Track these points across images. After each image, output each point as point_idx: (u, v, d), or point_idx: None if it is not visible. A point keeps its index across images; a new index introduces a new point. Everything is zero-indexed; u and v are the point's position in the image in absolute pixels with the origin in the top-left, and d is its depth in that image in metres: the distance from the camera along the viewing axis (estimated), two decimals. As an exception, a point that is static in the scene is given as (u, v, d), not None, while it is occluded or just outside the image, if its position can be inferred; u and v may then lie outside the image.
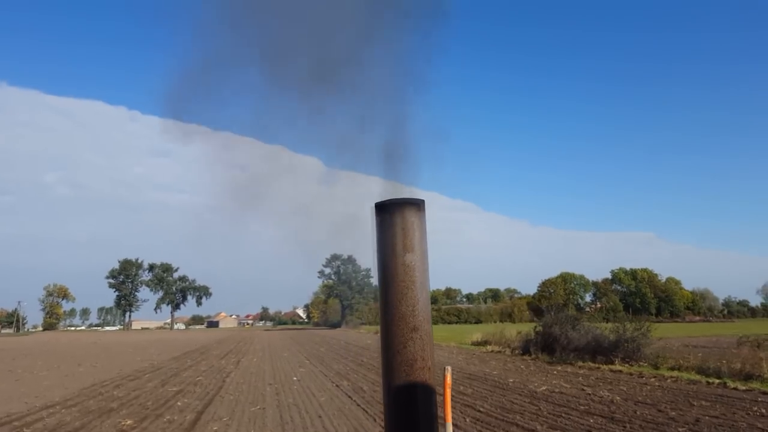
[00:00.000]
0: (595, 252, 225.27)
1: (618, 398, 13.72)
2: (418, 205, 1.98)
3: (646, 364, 20.75)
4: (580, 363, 22.43)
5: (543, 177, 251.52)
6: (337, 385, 18.47)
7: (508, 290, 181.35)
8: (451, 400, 14.81)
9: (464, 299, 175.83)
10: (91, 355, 38.73)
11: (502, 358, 27.44)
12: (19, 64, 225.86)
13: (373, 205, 1.98)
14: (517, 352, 29.49)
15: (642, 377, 17.96)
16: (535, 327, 30.49)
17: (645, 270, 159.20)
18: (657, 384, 16.29)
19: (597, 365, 21.39)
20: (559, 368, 21.84)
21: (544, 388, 16.07)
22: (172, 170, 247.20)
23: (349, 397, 15.65)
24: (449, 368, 3.58)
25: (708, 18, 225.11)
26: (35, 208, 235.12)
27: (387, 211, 1.96)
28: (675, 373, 18.02)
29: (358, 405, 14.13)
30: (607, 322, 42.73)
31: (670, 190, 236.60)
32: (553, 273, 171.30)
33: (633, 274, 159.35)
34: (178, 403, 15.34)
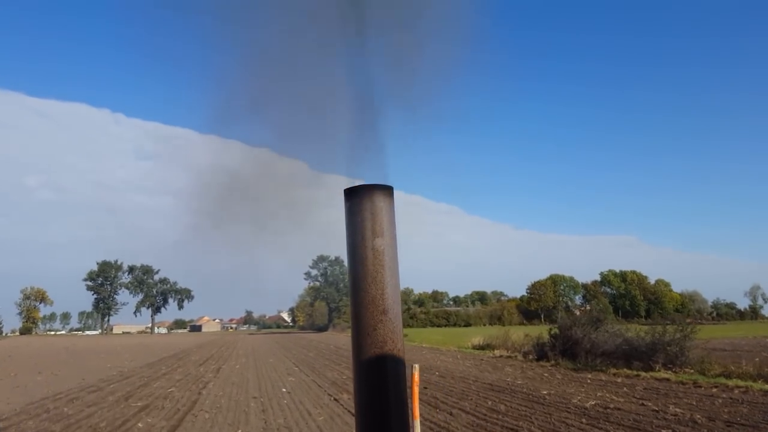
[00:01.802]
0: (579, 255, 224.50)
1: (699, 417, 10.85)
2: (387, 190, 1.90)
3: (692, 371, 17.98)
4: (613, 370, 19.61)
5: (525, 181, 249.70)
6: (335, 399, 15.42)
7: (494, 293, 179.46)
8: (486, 420, 11.87)
9: (451, 302, 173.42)
10: (57, 362, 35.15)
11: (516, 364, 24.55)
12: (1, 64, 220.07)
13: (343, 190, 1.88)
14: (531, 357, 26.63)
15: (699, 387, 15.16)
16: (551, 329, 27.75)
17: (634, 272, 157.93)
18: (727, 396, 13.48)
19: (634, 372, 18.59)
20: (590, 376, 18.99)
21: (592, 402, 13.17)
22: (156, 174, 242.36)
23: (354, 416, 12.58)
24: (417, 366, 3.27)
25: (692, 21, 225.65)
26: (16, 212, 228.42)
27: (356, 195, 1.88)
28: (736, 382, 15.24)
29: (369, 427, 11.10)
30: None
31: (652, 194, 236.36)
32: (538, 276, 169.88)
33: (622, 276, 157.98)
34: (139, 425, 12.18)
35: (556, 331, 27.38)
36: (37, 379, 23.48)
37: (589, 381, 17.68)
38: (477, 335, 44.89)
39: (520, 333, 38.11)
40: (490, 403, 13.66)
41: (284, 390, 17.74)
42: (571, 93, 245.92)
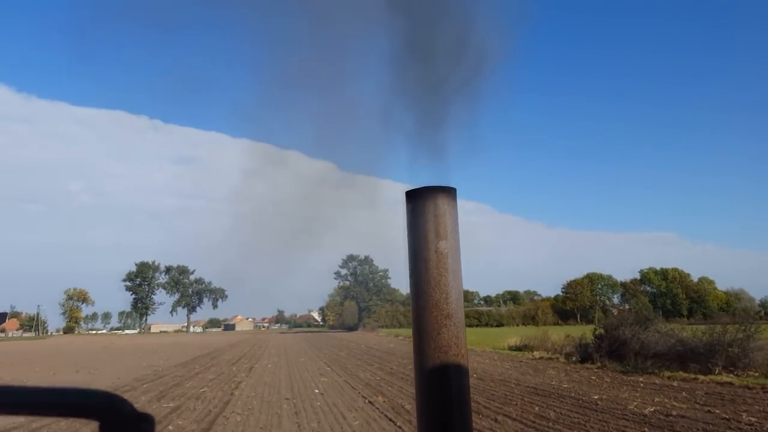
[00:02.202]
0: (615, 253, 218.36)
1: (778, 428, 9.72)
2: (450, 192, 1.78)
3: (756, 374, 16.63)
4: (667, 372, 18.35)
5: (557, 178, 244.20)
6: (369, 402, 14.70)
7: (527, 292, 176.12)
8: (535, 428, 10.93)
9: (482, 302, 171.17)
10: (96, 361, 35.49)
11: (558, 367, 23.42)
12: (48, 76, 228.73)
13: (404, 193, 1.79)
14: (574, 359, 25.42)
15: (768, 393, 13.90)
16: (595, 330, 26.51)
17: (676, 270, 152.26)
18: (803, 404, 12.23)
19: (691, 375, 17.32)
20: (641, 379, 17.80)
21: (651, 408, 12.10)
22: (192, 177, 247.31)
23: (391, 421, 11.86)
24: None
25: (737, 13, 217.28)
26: (60, 216, 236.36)
27: (419, 197, 1.76)
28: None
29: (409, 434, 10.36)
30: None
31: (693, 189, 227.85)
32: (572, 275, 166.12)
33: (663, 273, 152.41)
34: (170, 427, 11.69)
35: (601, 331, 26.13)
36: (75, 378, 23.49)
37: (641, 385, 16.51)
38: (512, 336, 43.57)
39: (560, 333, 36.78)
40: (537, 408, 12.72)
41: (317, 391, 17.12)
42: (607, 87, 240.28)
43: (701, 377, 16.81)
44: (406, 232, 1.79)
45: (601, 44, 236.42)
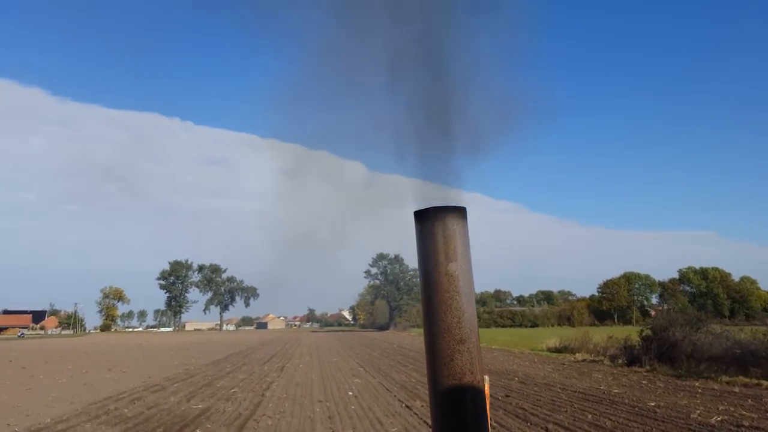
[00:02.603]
0: (651, 252, 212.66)
1: None
2: (460, 211, 1.80)
3: (828, 382, 15.21)
4: (725, 377, 17.02)
5: (591, 177, 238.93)
6: (407, 407, 13.90)
7: (561, 292, 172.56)
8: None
9: (515, 302, 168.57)
10: (129, 359, 35.63)
11: (604, 370, 22.19)
12: (82, 81, 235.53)
13: (413, 213, 1.81)
14: (620, 361, 24.11)
15: None
16: (642, 331, 25.15)
17: (716, 269, 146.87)
18: None
19: (753, 380, 15.98)
20: (697, 384, 16.52)
21: (718, 418, 10.97)
22: (224, 178, 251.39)
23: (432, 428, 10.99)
24: (487, 378, 2.42)
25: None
26: (97, 216, 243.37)
27: (427, 218, 1.80)
28: None
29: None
30: None
31: (731, 187, 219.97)
32: (607, 274, 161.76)
33: (703, 273, 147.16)
34: (198, 431, 11.11)
35: (648, 332, 24.78)
36: (105, 376, 23.36)
37: (699, 390, 15.27)
38: (549, 336, 42.14)
39: (601, 334, 35.32)
40: (590, 416, 11.71)
41: (350, 393, 16.41)
42: (640, 85, 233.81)
43: (765, 383, 15.47)
44: (416, 254, 1.72)
45: (636, 42, 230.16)
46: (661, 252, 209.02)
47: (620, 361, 24.34)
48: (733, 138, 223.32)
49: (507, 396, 15.12)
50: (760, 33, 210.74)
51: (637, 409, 12.58)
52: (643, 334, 24.88)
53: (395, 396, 15.79)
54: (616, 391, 15.81)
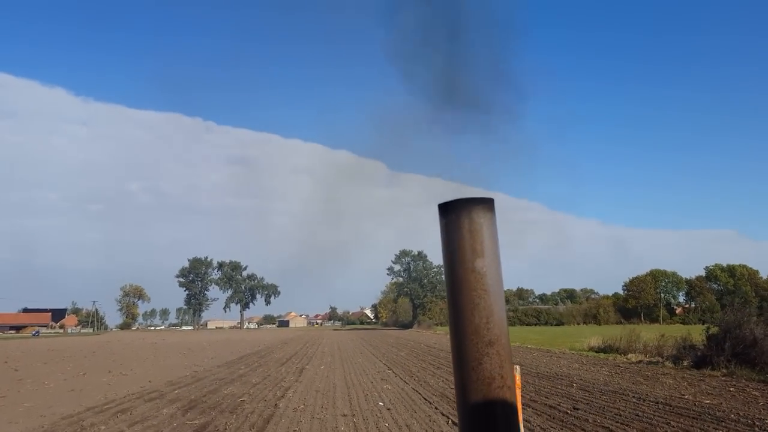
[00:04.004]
0: (673, 251, 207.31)
1: None
2: (487, 203, 1.63)
3: None
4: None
5: (612, 175, 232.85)
6: (453, 423, 11.06)
7: (584, 290, 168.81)
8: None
9: (537, 300, 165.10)
10: (137, 359, 33.36)
11: (672, 374, 19.08)
12: (104, 81, 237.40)
13: (437, 206, 1.64)
14: (686, 363, 20.96)
15: None
16: (708, 328, 22.00)
17: (744, 266, 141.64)
18: None
19: None
20: (808, 394, 13.39)
21: None
22: (247, 177, 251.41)
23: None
24: (518, 367, 2.77)
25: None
26: (120, 215, 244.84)
27: (452, 211, 1.61)
28: None
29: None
30: (704, 324, 33.52)
31: (752, 187, 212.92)
32: (629, 272, 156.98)
33: (730, 270, 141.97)
34: (186, 460, 8.40)
35: (715, 330, 21.63)
36: (102, 380, 20.91)
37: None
38: (580, 335, 38.69)
39: (650, 333, 32.07)
40: (707, 442, 8.73)
41: (381, 404, 13.62)
42: (659, 77, 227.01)
43: None
44: (441, 250, 1.63)
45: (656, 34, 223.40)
46: (682, 251, 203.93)
47: (685, 363, 21.18)
48: (750, 138, 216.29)
49: (575, 409, 12.17)
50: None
51: (752, 427, 9.57)
52: (710, 332, 21.76)
53: (435, 408, 12.98)
54: (707, 402, 12.76)
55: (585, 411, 11.90)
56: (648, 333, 32.35)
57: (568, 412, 11.85)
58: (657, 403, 12.75)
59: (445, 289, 1.64)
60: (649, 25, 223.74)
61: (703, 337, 22.69)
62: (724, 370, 18.42)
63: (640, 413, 11.53)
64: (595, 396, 14.16)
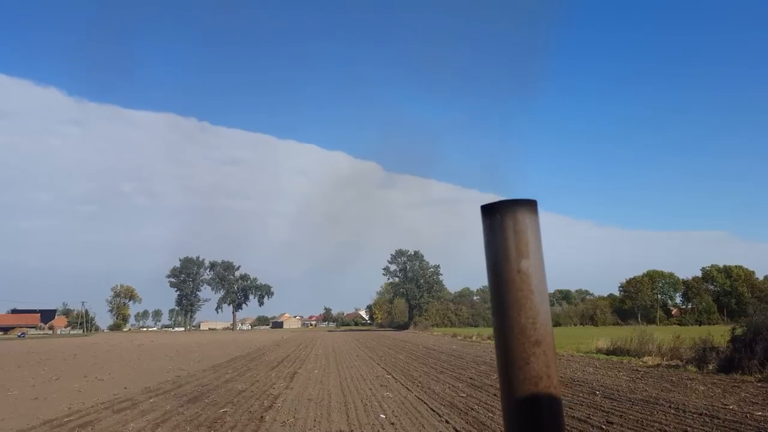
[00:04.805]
0: (666, 252, 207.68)
1: None
2: (531, 205, 1.59)
3: None
4: None
5: (606, 177, 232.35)
6: (471, 440, 9.29)
7: (579, 291, 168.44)
8: None
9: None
10: (119, 362, 31.47)
11: (699, 379, 17.39)
12: (99, 81, 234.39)
13: (480, 207, 1.61)
14: (711, 367, 19.33)
15: None
16: (734, 329, 20.44)
17: (740, 267, 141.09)
18: None
19: None
20: None
21: None
22: (240, 178, 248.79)
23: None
24: None
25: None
26: (114, 216, 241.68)
27: (497, 213, 1.57)
28: None
29: None
30: (700, 325, 31.97)
31: (743, 188, 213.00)
32: (623, 273, 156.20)
33: (727, 271, 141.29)
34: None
35: (740, 331, 20.09)
36: (73, 386, 19.04)
37: None
38: (591, 336, 36.97)
39: (663, 334, 30.49)
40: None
41: (383, 416, 11.84)
42: (650, 92, 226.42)
43: None
44: (483, 251, 1.64)
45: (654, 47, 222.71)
46: (674, 251, 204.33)
47: (710, 367, 19.54)
48: (741, 139, 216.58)
49: (609, 423, 10.44)
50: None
51: None
52: (735, 332, 20.20)
53: (445, 421, 11.21)
54: (759, 414, 11.08)
55: (622, 426, 10.18)
56: (660, 334, 30.78)
57: (603, 427, 10.13)
58: (701, 415, 11.05)
59: (489, 289, 1.57)
60: (644, 25, 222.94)
61: (726, 338, 21.17)
62: (758, 375, 16.78)
63: (680, 426, 9.83)
64: (625, 406, 12.45)
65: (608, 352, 29.85)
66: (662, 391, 14.82)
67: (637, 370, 20.59)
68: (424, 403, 13.64)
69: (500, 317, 1.54)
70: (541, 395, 1.48)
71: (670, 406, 12.19)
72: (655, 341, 27.22)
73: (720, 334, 24.64)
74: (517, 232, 1.54)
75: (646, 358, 23.87)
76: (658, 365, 21.95)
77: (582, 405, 12.68)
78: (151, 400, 14.94)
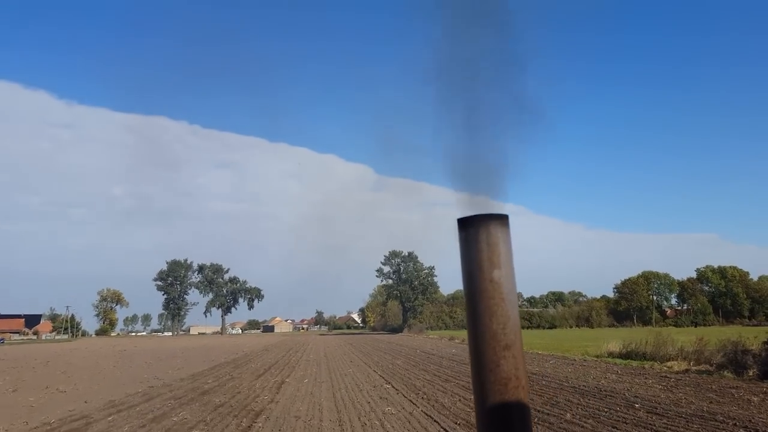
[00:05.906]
0: (657, 254, 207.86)
1: None
2: (503, 219, 1.85)
3: None
4: None
5: (596, 180, 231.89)
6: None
7: (572, 293, 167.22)
8: None
9: (526, 303, 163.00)
10: (91, 370, 28.96)
11: (744, 387, 15.27)
12: (88, 83, 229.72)
13: (456, 220, 1.87)
14: (751, 374, 17.24)
15: None
16: (772, 331, 18.37)
17: (735, 268, 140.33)
18: None
19: None
20: None
21: None
22: (232, 181, 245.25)
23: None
24: None
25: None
26: (103, 220, 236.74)
27: (471, 226, 1.83)
28: None
29: None
30: (696, 327, 30.29)
31: (733, 191, 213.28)
32: (616, 275, 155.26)
33: (722, 272, 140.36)
34: None
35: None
36: (28, 399, 16.59)
37: None
38: (618, 339, 34.70)
39: (683, 337, 28.48)
40: None
41: (387, 440, 9.56)
42: (641, 92, 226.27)
43: None
44: (460, 261, 1.81)
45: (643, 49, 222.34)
46: (666, 254, 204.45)
47: (751, 374, 17.44)
48: (731, 142, 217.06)
49: (675, 450, 8.23)
50: (760, 42, 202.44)
51: None
52: (774, 335, 18.19)
53: (466, 447, 8.94)
54: None
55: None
56: (679, 336, 28.73)
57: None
58: (782, 437, 8.89)
59: (465, 297, 1.77)
60: (630, 27, 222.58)
61: (761, 339, 19.20)
62: (811, 383, 14.71)
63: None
64: (678, 423, 10.28)
65: (622, 356, 27.75)
66: (710, 403, 12.66)
67: (665, 376, 18.43)
68: (435, 421, 11.39)
69: (473, 323, 1.74)
70: (510, 396, 1.66)
71: (734, 424, 10.03)
72: (676, 344, 25.18)
73: (739, 334, 22.74)
74: (489, 244, 1.76)
75: (670, 363, 21.72)
76: (687, 371, 19.86)
77: (626, 423, 10.48)
78: (110, 419, 12.59)
